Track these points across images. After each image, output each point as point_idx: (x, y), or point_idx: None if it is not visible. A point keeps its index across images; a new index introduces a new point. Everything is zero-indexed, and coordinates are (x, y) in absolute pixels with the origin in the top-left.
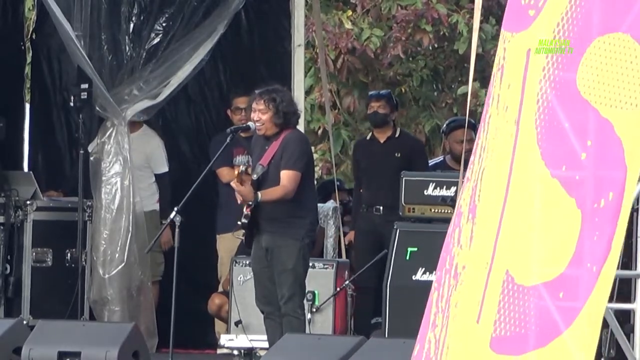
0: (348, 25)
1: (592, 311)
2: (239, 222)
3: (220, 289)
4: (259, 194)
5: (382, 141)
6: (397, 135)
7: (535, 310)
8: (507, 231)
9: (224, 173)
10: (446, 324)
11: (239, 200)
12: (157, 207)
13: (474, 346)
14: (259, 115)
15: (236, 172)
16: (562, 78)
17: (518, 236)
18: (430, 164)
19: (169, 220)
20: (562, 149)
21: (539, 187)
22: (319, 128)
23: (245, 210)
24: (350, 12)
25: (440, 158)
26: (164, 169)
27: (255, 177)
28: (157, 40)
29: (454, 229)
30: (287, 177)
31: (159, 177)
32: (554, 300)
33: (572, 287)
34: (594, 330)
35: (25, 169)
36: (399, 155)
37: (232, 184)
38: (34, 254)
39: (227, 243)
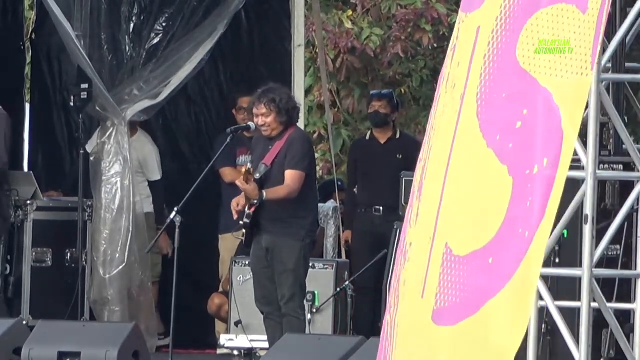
0: (348, 25)
1: (525, 277)
2: (240, 222)
3: (220, 289)
4: (264, 192)
5: (382, 142)
6: (397, 136)
7: (467, 278)
8: (447, 205)
9: (227, 173)
10: (397, 302)
11: (237, 205)
12: (152, 209)
13: (418, 321)
14: (263, 120)
15: (243, 170)
16: (503, 50)
17: (456, 209)
18: None
19: (169, 221)
20: (499, 119)
21: (475, 158)
22: (315, 132)
23: (248, 210)
24: (350, 12)
25: None
26: (157, 176)
27: (258, 176)
28: (157, 40)
29: (408, 210)
30: (292, 177)
31: (152, 185)
32: (483, 266)
33: (502, 253)
34: (526, 297)
35: (25, 169)
36: (401, 157)
37: (238, 182)
38: (34, 254)
39: (229, 243)
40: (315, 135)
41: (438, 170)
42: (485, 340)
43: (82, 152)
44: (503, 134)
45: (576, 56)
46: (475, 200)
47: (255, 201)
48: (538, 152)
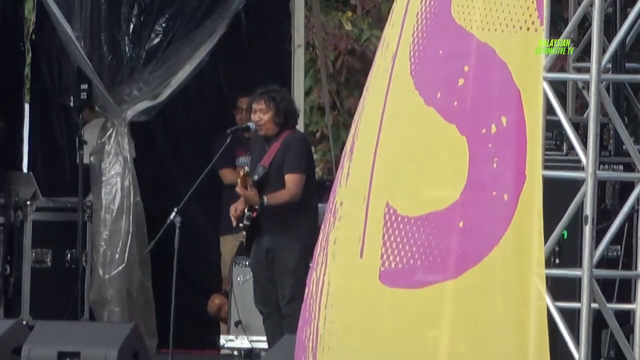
0: (348, 27)
1: (518, 243)
2: (240, 225)
3: (221, 289)
4: (265, 198)
5: None
6: None
7: (428, 240)
8: (382, 163)
9: (227, 174)
10: (326, 262)
11: (235, 211)
12: None
13: (359, 281)
14: (259, 116)
15: (241, 175)
16: (436, 8)
17: (396, 167)
18: None
19: (169, 221)
20: (437, 77)
21: (413, 117)
22: (317, 131)
23: (249, 212)
24: (350, 13)
25: None
26: None
27: (256, 177)
28: (157, 40)
29: (339, 170)
30: (293, 180)
31: None
32: (450, 229)
33: (476, 216)
34: (523, 265)
35: (25, 169)
36: None
37: (237, 188)
38: (33, 254)
39: (230, 244)
40: (317, 134)
41: (370, 130)
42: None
43: (81, 152)
44: (445, 92)
45: (516, 9)
46: (420, 160)
47: (257, 207)
48: (493, 110)
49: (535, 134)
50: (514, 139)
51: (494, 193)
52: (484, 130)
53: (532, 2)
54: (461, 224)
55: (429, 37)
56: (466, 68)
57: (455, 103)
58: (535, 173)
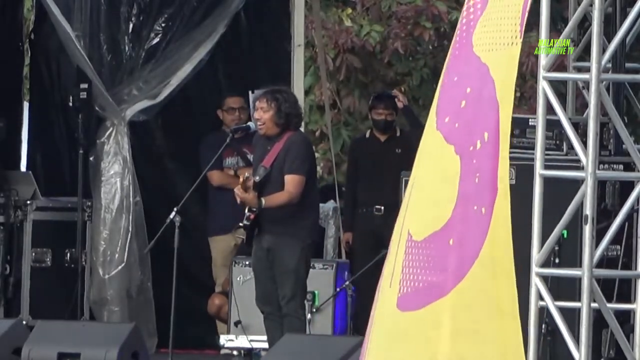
0: (348, 23)
1: (493, 256)
2: (240, 224)
3: (219, 289)
4: (263, 200)
5: (382, 140)
6: (398, 134)
7: (428, 262)
8: (411, 194)
9: (215, 176)
10: (377, 297)
11: (239, 200)
12: None
13: (386, 309)
14: (260, 114)
15: (240, 180)
16: (463, 37)
17: (416, 195)
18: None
19: (168, 221)
20: (449, 101)
21: (429, 143)
22: (317, 130)
23: (248, 213)
24: (350, 10)
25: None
26: None
27: (257, 179)
28: (156, 40)
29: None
30: (292, 182)
31: None
32: (443, 248)
33: (462, 233)
34: (501, 277)
35: (23, 168)
36: (400, 151)
37: (236, 190)
38: (33, 254)
39: (219, 245)
40: (317, 133)
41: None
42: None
43: (81, 152)
44: (451, 115)
45: (506, 27)
46: (429, 184)
47: (255, 209)
48: (479, 126)
49: (505, 146)
50: (492, 152)
51: (475, 207)
52: (471, 148)
53: (517, 19)
54: (451, 242)
55: (450, 64)
56: (468, 90)
57: (457, 125)
58: (505, 184)
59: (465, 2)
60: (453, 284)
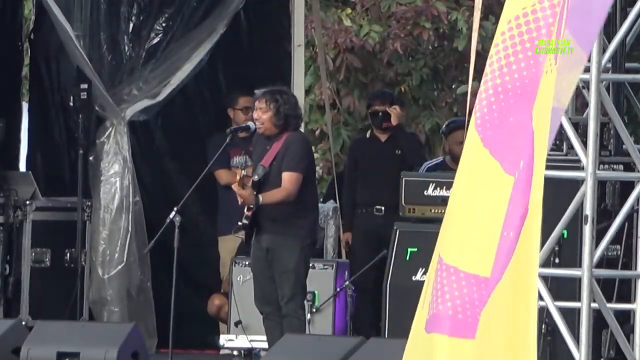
0: (347, 22)
1: (516, 279)
2: (239, 223)
3: (221, 289)
4: (260, 197)
5: (383, 140)
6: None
7: (461, 290)
8: (447, 215)
9: (222, 175)
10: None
11: (240, 201)
12: None
13: (417, 330)
14: (258, 114)
15: (238, 177)
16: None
17: (450, 218)
18: (430, 165)
19: (168, 220)
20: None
21: (471, 157)
22: (318, 129)
23: (247, 212)
24: (349, 10)
25: (440, 159)
26: None
27: (256, 178)
28: (156, 40)
29: None
30: (289, 179)
31: None
32: (468, 276)
33: (495, 263)
34: (525, 302)
35: (22, 169)
36: (399, 152)
37: (234, 187)
38: (33, 254)
39: (228, 244)
40: (317, 132)
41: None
42: (482, 355)
43: (81, 152)
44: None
45: (546, 55)
46: (468, 201)
47: (252, 206)
48: (519, 154)
49: (540, 171)
50: (525, 180)
51: (505, 233)
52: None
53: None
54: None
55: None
56: (511, 119)
57: (502, 144)
58: (535, 203)
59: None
60: (479, 310)
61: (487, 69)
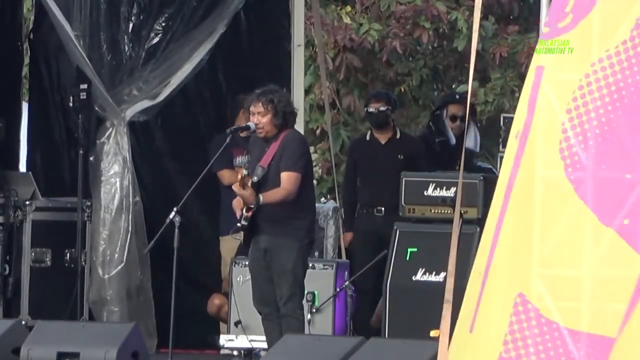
0: (347, 20)
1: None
2: (237, 224)
3: (222, 289)
4: (261, 197)
5: (383, 142)
6: (398, 136)
7: (552, 348)
8: (511, 245)
9: (225, 175)
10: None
11: (238, 205)
12: None
13: (470, 356)
14: (258, 119)
15: (239, 177)
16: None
17: (551, 266)
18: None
19: (168, 221)
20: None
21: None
22: (317, 128)
23: (246, 213)
24: (349, 8)
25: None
26: None
27: (255, 179)
28: (156, 40)
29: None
30: (288, 178)
31: None
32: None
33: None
34: None
35: (22, 169)
36: (402, 157)
37: (234, 187)
38: (33, 254)
39: (229, 244)
40: (317, 131)
41: (494, 205)
42: None
43: (81, 152)
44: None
45: None
46: (595, 277)
47: (252, 206)
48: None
49: None
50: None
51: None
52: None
53: None
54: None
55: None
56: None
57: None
58: None
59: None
60: None
61: (590, 106)
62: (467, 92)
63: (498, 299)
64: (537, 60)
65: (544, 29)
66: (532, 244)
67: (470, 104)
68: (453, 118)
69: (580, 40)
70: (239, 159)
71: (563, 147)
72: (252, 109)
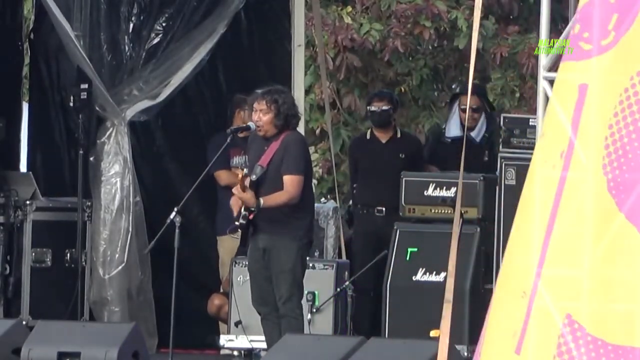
0: (347, 20)
1: None
2: (235, 223)
3: (220, 289)
4: (261, 200)
5: (384, 141)
6: (399, 135)
7: None
8: (560, 266)
9: (222, 176)
10: (480, 345)
11: (236, 204)
12: None
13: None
14: (259, 116)
15: (239, 178)
16: None
17: (594, 286)
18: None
19: (168, 221)
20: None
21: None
22: (318, 128)
23: (245, 212)
24: (350, 8)
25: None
26: None
27: (254, 177)
28: (156, 40)
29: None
30: (291, 182)
31: None
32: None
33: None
34: None
35: (22, 169)
36: (403, 156)
37: (234, 190)
38: (33, 254)
39: (227, 244)
40: (318, 131)
41: (531, 222)
42: None
43: (81, 152)
44: None
45: None
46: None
47: (253, 208)
48: None
49: None
50: None
51: None
52: None
53: None
54: None
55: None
56: None
57: None
58: None
59: None
60: None
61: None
62: (478, 85)
63: (545, 319)
64: (578, 78)
65: (584, 46)
66: (582, 266)
67: (482, 94)
68: (464, 109)
69: (621, 56)
70: (236, 160)
71: (605, 163)
72: (255, 105)
